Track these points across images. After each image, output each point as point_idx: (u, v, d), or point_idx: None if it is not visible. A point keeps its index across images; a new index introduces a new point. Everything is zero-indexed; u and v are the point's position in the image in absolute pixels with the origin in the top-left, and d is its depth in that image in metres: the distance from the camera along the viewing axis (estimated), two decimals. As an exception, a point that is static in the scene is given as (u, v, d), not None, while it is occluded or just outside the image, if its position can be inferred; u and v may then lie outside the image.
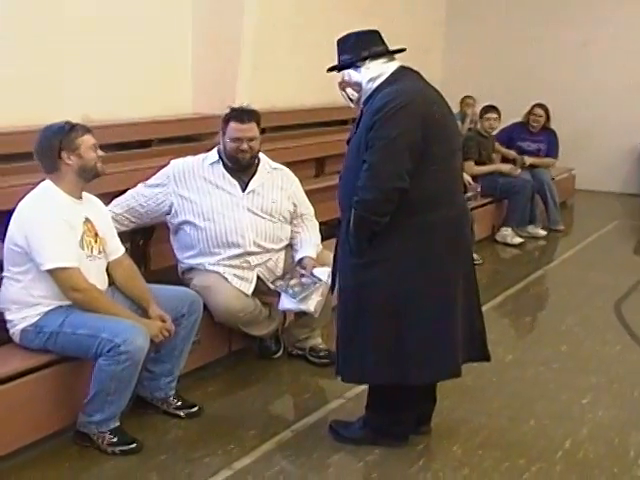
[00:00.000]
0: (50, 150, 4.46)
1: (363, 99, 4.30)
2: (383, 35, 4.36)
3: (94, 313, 4.42)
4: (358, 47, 4.27)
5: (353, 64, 4.27)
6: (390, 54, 4.33)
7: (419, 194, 4.13)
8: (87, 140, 4.50)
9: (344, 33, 4.36)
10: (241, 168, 5.42)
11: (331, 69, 4.43)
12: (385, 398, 4.48)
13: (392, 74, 4.23)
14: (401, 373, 4.29)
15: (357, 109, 4.42)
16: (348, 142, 4.39)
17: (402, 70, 4.29)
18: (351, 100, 4.38)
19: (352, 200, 4.15)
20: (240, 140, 5.34)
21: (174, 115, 8.20)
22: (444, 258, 4.24)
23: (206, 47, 8.34)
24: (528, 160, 10.13)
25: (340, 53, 4.36)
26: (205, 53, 8.36)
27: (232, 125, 5.38)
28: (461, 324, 4.34)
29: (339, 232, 4.41)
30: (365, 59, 4.24)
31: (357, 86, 4.29)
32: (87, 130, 4.55)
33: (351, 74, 4.29)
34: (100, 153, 4.57)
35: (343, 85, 4.37)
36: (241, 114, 5.42)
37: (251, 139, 5.37)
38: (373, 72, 4.24)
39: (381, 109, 4.08)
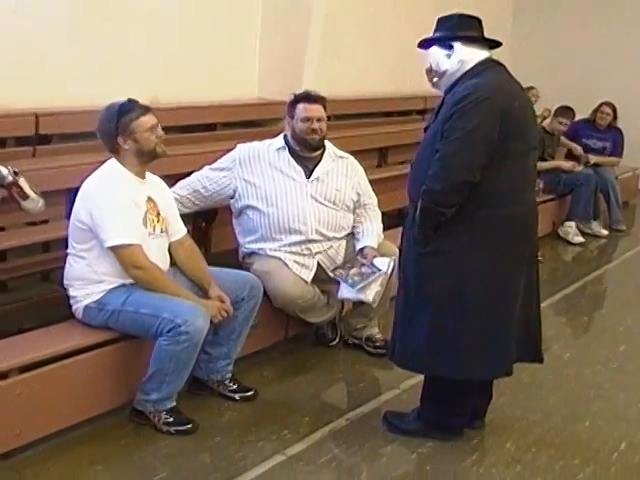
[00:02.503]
0: (108, 133, 4.50)
1: (446, 85, 4.25)
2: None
3: (155, 292, 4.45)
4: (456, 28, 4.23)
5: (446, 42, 4.21)
6: (484, 43, 4.26)
7: (490, 188, 4.08)
8: (143, 123, 4.48)
9: (448, 13, 4.32)
10: (311, 150, 5.43)
11: (422, 42, 4.35)
12: (441, 390, 4.46)
13: (479, 63, 4.18)
14: (453, 366, 4.27)
15: (440, 91, 4.35)
16: (425, 130, 4.33)
17: (489, 61, 4.24)
18: (434, 85, 4.33)
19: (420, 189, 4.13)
20: (310, 120, 5.36)
21: (239, 100, 8.22)
22: (508, 254, 4.20)
23: (274, 32, 8.33)
24: (592, 159, 10.01)
25: (437, 30, 4.30)
26: (272, 38, 8.34)
27: (301, 106, 5.41)
28: (518, 323, 4.31)
29: (406, 221, 4.38)
30: (459, 40, 4.19)
31: (441, 70, 4.23)
32: (144, 111, 4.52)
33: (439, 55, 4.22)
34: (160, 134, 4.55)
35: (430, 71, 4.30)
36: (309, 95, 5.46)
37: (319, 119, 5.40)
38: (462, 56, 4.18)
39: (461, 100, 4.03)
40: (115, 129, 4.45)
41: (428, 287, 4.26)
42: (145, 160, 4.56)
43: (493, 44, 4.31)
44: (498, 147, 4.04)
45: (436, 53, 4.25)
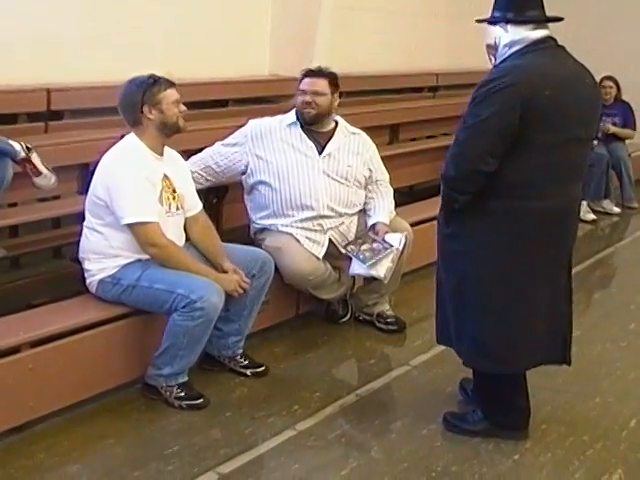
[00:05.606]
0: (132, 103, 4.49)
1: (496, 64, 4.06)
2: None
3: (172, 269, 4.47)
4: (507, 7, 3.97)
5: (498, 23, 4.01)
6: (540, 22, 4.00)
7: (512, 179, 3.91)
8: (169, 95, 4.51)
9: None
10: (305, 123, 5.42)
11: (479, 21, 4.17)
12: (483, 385, 4.40)
13: (529, 45, 3.94)
14: (468, 351, 4.22)
15: None
16: None
17: (542, 42, 3.95)
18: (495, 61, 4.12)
19: None
20: (304, 92, 5.38)
21: (251, 76, 8.22)
22: (528, 249, 4.03)
23: (285, 8, 8.33)
24: (611, 128, 9.80)
25: (493, 8, 4.08)
26: (284, 14, 8.34)
27: (304, 80, 5.44)
28: (544, 324, 4.23)
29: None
30: (509, 22, 3.97)
31: (495, 49, 4.05)
32: (171, 84, 4.55)
33: (496, 33, 4.02)
34: (182, 108, 4.57)
35: (489, 48, 4.11)
36: (312, 70, 5.49)
37: (316, 93, 5.37)
38: (512, 37, 3.96)
39: (485, 85, 3.86)
40: (142, 98, 4.45)
41: (451, 269, 4.18)
42: (166, 133, 4.57)
43: (551, 19, 4.06)
44: (519, 138, 3.84)
45: (497, 29, 4.03)
